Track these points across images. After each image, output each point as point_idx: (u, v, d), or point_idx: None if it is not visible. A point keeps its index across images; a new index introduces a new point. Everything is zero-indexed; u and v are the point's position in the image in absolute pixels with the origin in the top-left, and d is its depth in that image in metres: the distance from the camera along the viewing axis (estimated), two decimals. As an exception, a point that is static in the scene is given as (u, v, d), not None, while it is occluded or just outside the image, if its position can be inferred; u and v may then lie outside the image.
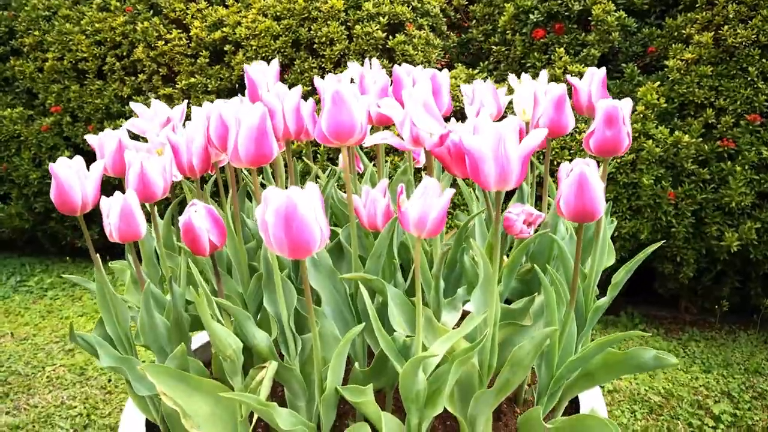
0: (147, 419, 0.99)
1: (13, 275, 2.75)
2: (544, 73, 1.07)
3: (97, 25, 2.43)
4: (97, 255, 0.90)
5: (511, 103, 1.12)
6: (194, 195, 0.99)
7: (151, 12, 2.43)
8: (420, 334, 0.73)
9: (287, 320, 0.79)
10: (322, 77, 2.24)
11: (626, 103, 0.84)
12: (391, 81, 0.94)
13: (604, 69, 1.01)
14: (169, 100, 2.40)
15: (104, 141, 0.95)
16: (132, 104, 1.08)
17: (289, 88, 2.29)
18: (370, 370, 0.81)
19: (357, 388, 0.72)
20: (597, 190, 0.72)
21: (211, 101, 2.38)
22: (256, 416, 0.81)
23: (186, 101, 1.08)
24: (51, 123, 2.52)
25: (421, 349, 0.74)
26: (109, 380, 1.98)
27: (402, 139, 0.78)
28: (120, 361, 0.85)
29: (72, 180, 0.81)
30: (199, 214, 0.76)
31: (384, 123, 0.95)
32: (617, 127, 0.82)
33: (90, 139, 0.99)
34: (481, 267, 0.78)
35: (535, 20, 2.17)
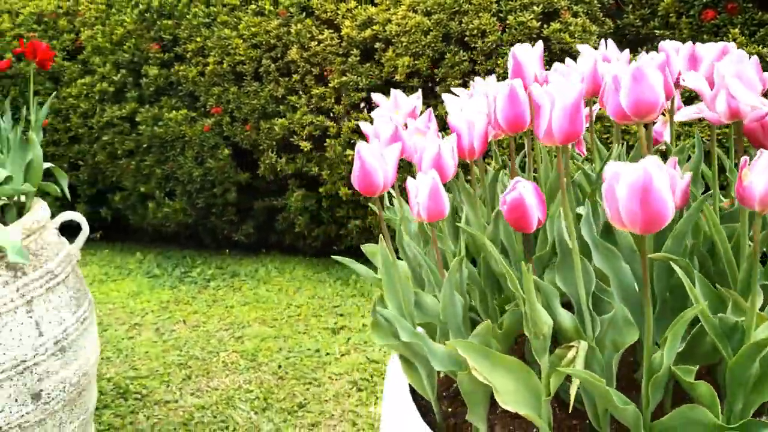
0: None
1: (178, 267, 3.00)
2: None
3: (253, 29, 2.59)
4: (384, 233, 0.96)
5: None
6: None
7: (304, 14, 2.55)
8: (753, 317, 0.74)
9: (585, 301, 0.82)
10: (473, 70, 2.26)
11: None
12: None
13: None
14: (321, 99, 2.52)
15: (379, 128, 1.01)
16: (373, 95, 1.15)
17: (439, 82, 2.31)
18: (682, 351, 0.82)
19: (687, 368, 0.75)
20: None
21: (362, 98, 2.46)
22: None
23: (419, 92, 1.14)
24: (212, 123, 2.71)
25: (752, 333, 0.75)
26: (279, 366, 2.12)
27: (715, 112, 0.80)
28: (415, 337, 0.91)
29: (375, 162, 0.87)
30: (527, 190, 0.79)
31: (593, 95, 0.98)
32: None
33: (364, 127, 1.06)
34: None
35: (704, 1, 2.06)
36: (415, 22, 2.30)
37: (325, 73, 2.51)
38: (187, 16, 2.73)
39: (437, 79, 2.34)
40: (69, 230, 1.59)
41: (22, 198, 1.48)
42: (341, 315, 2.46)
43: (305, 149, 2.56)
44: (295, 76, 2.55)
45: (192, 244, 3.19)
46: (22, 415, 1.37)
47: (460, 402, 1.02)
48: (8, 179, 1.36)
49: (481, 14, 2.22)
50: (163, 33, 2.79)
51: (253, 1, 2.65)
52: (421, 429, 0.91)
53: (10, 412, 1.35)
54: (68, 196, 1.58)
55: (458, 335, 0.93)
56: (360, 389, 1.98)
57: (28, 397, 1.38)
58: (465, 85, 2.29)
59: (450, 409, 1.06)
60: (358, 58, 2.43)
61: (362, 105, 2.53)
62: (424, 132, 0.97)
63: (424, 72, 2.34)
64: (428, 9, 2.31)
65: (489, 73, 2.25)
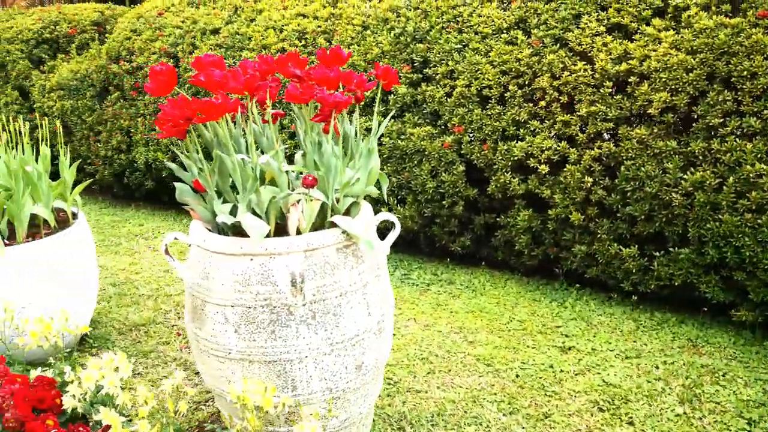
0: None
1: (398, 269, 3.27)
2: None
3: (504, 56, 2.78)
4: None
5: None
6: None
7: (558, 45, 2.70)
8: None
9: None
10: (737, 111, 2.28)
11: None
12: None
13: None
14: (565, 126, 2.65)
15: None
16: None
17: (696, 119, 2.35)
18: None
19: None
20: None
21: (608, 128, 2.55)
22: None
23: None
24: (451, 141, 2.94)
25: None
26: (517, 375, 2.28)
27: None
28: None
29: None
30: None
31: None
32: None
33: None
34: None
35: None
36: (677, 60, 2.37)
37: (573, 102, 2.65)
38: (440, 41, 2.99)
39: (695, 116, 2.38)
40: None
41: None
42: (566, 336, 2.56)
43: (542, 172, 2.71)
44: (542, 103, 2.71)
45: (410, 249, 3.45)
46: (348, 382, 1.64)
47: None
48: (357, 181, 1.63)
49: (753, 56, 2.25)
50: (414, 55, 3.07)
51: (505, 31, 2.85)
52: None
53: (341, 378, 1.62)
54: (385, 198, 1.84)
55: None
56: (602, 409, 2.07)
57: (354, 367, 1.64)
58: (724, 124, 2.31)
59: None
60: (609, 90, 2.54)
61: (606, 135, 2.63)
62: None
63: (680, 108, 2.40)
64: (693, 48, 2.37)
65: (755, 114, 2.26)
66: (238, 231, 1.62)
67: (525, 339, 2.54)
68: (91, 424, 1.63)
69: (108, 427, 1.51)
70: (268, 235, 1.55)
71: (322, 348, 1.57)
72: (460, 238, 3.17)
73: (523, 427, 1.99)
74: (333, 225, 1.61)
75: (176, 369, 2.05)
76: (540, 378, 2.26)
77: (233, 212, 1.62)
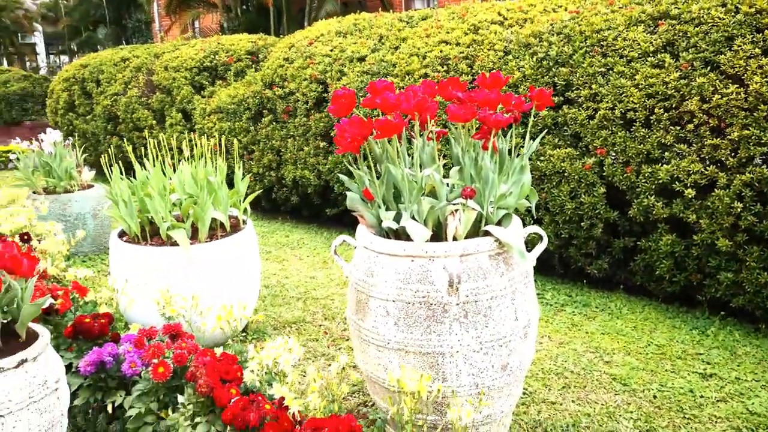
0: None
1: (532, 287, 3.37)
2: None
3: (650, 80, 2.84)
4: None
5: None
6: None
7: (708, 68, 2.72)
8: None
9: None
10: None
11: None
12: None
13: None
14: (714, 150, 2.65)
15: None
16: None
17: None
18: None
19: None
20: None
21: (762, 153, 2.53)
22: None
23: None
24: (593, 163, 3.02)
25: None
26: (655, 396, 2.31)
27: None
28: None
29: None
30: None
31: None
32: None
33: None
34: None
35: None
36: (840, 83, 2.33)
37: (723, 125, 2.65)
38: (583, 65, 3.10)
39: None
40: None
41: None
42: (708, 363, 2.54)
43: (688, 196, 2.72)
44: (689, 126, 2.73)
45: (543, 270, 3.54)
46: (493, 380, 1.79)
47: None
48: (511, 195, 1.79)
49: None
50: (557, 79, 3.20)
51: (651, 54, 2.91)
52: None
53: (487, 375, 1.78)
54: (534, 214, 1.99)
55: None
56: (748, 436, 2.06)
57: (499, 366, 1.79)
58: None
59: None
60: (764, 114, 2.52)
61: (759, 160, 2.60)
62: None
63: (843, 133, 2.34)
64: None
65: None
66: (397, 235, 1.84)
67: (663, 363, 2.55)
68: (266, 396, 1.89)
69: (282, 399, 1.76)
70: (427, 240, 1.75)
71: (472, 345, 1.74)
72: (597, 261, 3.22)
73: (663, 446, 2.03)
74: (486, 234, 1.78)
75: (341, 354, 2.28)
76: (679, 401, 2.28)
77: (396, 219, 1.84)
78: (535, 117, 3.25)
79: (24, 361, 1.68)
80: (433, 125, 1.81)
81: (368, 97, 1.83)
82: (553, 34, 3.34)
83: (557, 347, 2.73)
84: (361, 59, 4.35)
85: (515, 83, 3.35)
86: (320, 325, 3.02)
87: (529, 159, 3.25)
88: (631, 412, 2.23)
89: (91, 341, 2.31)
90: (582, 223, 3.14)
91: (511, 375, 1.82)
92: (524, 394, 2.36)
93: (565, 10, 3.46)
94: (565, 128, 3.18)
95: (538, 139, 1.92)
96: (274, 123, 4.90)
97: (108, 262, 3.83)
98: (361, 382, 2.40)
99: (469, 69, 3.62)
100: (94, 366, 2.14)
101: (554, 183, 3.20)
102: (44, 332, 1.83)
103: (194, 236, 2.71)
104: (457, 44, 3.81)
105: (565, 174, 3.13)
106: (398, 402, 1.70)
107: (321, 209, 4.83)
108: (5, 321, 1.80)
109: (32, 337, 1.81)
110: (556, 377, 2.48)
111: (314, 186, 4.62)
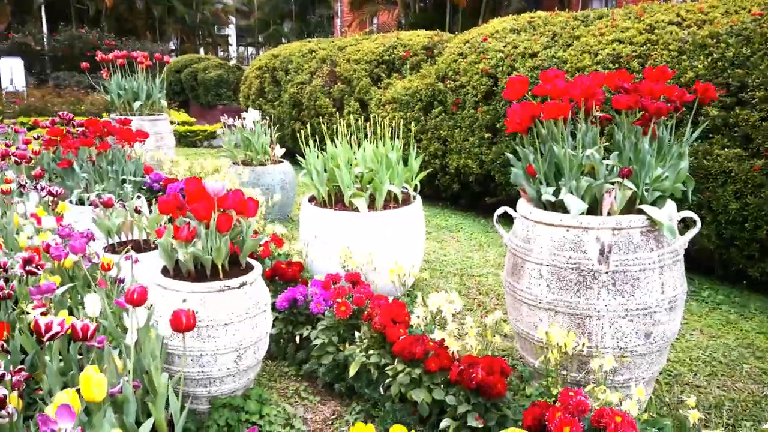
0: None
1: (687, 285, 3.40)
2: None
3: (834, 82, 2.77)
4: None
5: None
6: None
7: None
8: None
9: None
10: None
11: None
12: None
13: None
14: None
15: None
16: None
17: None
18: None
19: None
20: None
21: None
22: None
23: None
24: (762, 164, 3.00)
25: None
26: (808, 395, 2.32)
27: None
28: None
29: None
30: None
31: None
32: None
33: None
34: None
35: None
36: None
37: None
38: (760, 67, 3.07)
39: None
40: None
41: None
42: None
43: None
44: None
45: (702, 270, 3.53)
46: (636, 346, 1.97)
47: None
48: (666, 178, 1.95)
49: None
50: (731, 80, 3.19)
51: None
52: None
53: (630, 341, 1.96)
54: (689, 198, 2.12)
55: None
56: None
57: (643, 334, 1.96)
58: None
59: None
60: None
61: None
62: None
63: None
64: None
65: None
66: (554, 208, 2.07)
67: (824, 366, 2.52)
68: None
69: (443, 340, 2.07)
70: (582, 214, 1.97)
71: (618, 311, 1.93)
72: (761, 263, 3.17)
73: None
74: (640, 212, 1.95)
75: (496, 310, 2.55)
76: (837, 402, 2.27)
77: (554, 194, 2.07)
78: (705, 117, 3.27)
79: (244, 283, 2.15)
80: (597, 111, 2.01)
81: (539, 84, 2.08)
82: (731, 36, 3.32)
83: (708, 340, 2.78)
84: (533, 55, 4.54)
85: (687, 83, 3.38)
86: (474, 299, 3.30)
87: (695, 157, 3.29)
88: (778, 406, 2.27)
89: (284, 283, 2.79)
90: (746, 224, 3.12)
91: (654, 344, 1.98)
92: (669, 376, 2.48)
93: (748, 12, 3.41)
94: (735, 129, 3.17)
95: (699, 129, 2.05)
96: (443, 114, 5.24)
97: (290, 228, 4.41)
98: (511, 348, 2.65)
99: (641, 68, 3.69)
100: (287, 302, 2.61)
101: (720, 183, 3.20)
102: (257, 265, 2.30)
103: (371, 205, 3.11)
104: (631, 43, 3.88)
105: (732, 174, 3.13)
106: (546, 352, 1.94)
107: (480, 198, 5.09)
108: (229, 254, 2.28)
109: (249, 267, 2.29)
110: (704, 365, 2.55)
111: (476, 175, 4.89)
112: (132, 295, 1.71)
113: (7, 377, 1.48)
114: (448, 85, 5.16)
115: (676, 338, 2.78)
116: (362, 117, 6.36)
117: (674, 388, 2.37)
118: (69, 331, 1.62)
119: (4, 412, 1.37)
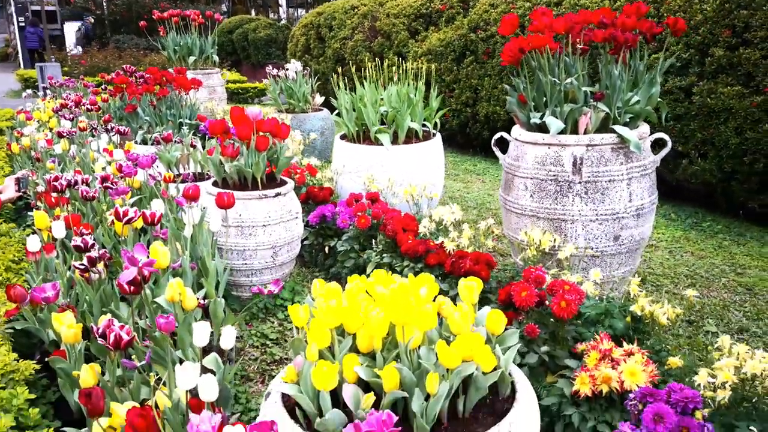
0: None
1: (690, 217, 3.68)
2: None
3: (827, 20, 2.97)
4: None
5: None
6: None
7: None
8: None
9: None
10: None
11: None
12: None
13: None
14: None
15: None
16: None
17: None
18: None
19: None
20: None
21: None
22: None
23: None
24: (761, 101, 3.23)
25: None
26: (773, 300, 2.62)
27: None
28: None
29: None
30: None
31: None
32: None
33: None
34: None
35: None
36: None
37: None
38: (764, 7, 3.28)
39: None
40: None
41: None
42: None
43: None
44: None
45: (706, 204, 3.80)
46: (605, 246, 2.32)
47: None
48: (637, 102, 2.27)
49: None
50: (736, 21, 3.40)
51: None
52: None
53: (600, 242, 2.31)
54: (663, 122, 2.42)
55: None
56: None
57: (612, 236, 2.31)
58: None
59: None
60: None
61: None
62: None
63: None
64: None
65: None
66: (540, 131, 2.41)
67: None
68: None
69: (442, 242, 2.47)
70: (562, 133, 2.31)
71: (589, 216, 2.28)
72: (759, 196, 3.42)
73: (763, 330, 2.39)
74: (612, 132, 2.28)
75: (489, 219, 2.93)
76: (797, 306, 2.57)
77: (541, 118, 2.41)
78: (711, 57, 3.49)
79: (279, 194, 2.59)
80: (580, 44, 2.33)
81: (533, 22, 2.41)
82: (741, -22, 3.50)
83: (696, 260, 3.09)
84: (558, 4, 4.77)
85: (697, 25, 3.60)
86: (489, 227, 3.66)
87: (701, 96, 3.53)
88: (745, 307, 2.58)
89: (316, 204, 3.22)
90: (745, 158, 3.36)
91: (623, 245, 2.33)
92: (652, 286, 2.81)
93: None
94: (739, 68, 3.39)
95: (668, 62, 2.34)
96: (474, 63, 5.53)
97: (326, 165, 4.82)
98: (512, 265, 3.02)
99: (656, 12, 3.90)
100: (318, 218, 3.04)
101: (722, 120, 3.44)
102: (290, 181, 2.74)
103: (394, 140, 3.49)
104: (649, -11, 4.08)
105: (733, 111, 3.37)
106: (527, 251, 2.31)
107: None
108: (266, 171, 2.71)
109: (283, 182, 2.73)
110: (685, 278, 2.87)
111: (504, 121, 5.19)
112: (188, 191, 2.17)
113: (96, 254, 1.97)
114: (479, 35, 5.44)
115: (666, 258, 3.11)
116: (400, 70, 6.69)
117: (653, 295, 2.71)
118: (140, 217, 2.09)
119: (95, 269, 1.85)
